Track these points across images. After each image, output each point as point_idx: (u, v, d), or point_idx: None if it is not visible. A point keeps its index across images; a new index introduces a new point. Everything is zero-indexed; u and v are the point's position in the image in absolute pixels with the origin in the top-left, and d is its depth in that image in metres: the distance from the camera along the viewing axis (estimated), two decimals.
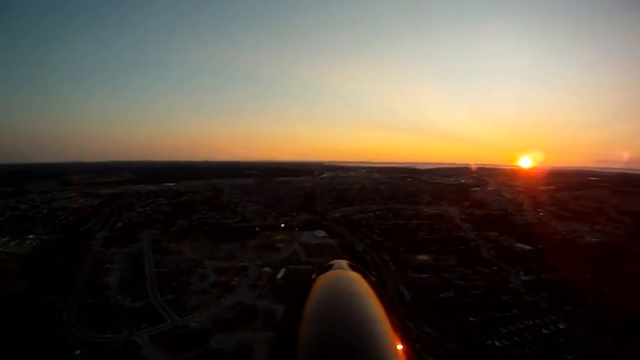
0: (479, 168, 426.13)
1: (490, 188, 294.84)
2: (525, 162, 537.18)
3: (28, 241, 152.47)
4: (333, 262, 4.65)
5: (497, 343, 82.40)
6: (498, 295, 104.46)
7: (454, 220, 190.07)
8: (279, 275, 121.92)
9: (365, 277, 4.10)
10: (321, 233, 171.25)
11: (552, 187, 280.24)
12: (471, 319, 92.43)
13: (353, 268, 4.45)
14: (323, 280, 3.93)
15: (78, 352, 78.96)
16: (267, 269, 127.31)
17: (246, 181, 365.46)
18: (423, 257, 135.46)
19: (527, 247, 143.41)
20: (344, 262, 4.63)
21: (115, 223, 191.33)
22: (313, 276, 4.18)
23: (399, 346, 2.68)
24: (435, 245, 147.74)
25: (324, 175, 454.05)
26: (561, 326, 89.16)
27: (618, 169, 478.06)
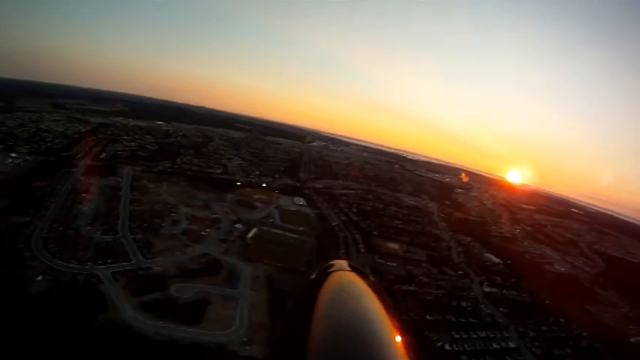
0: (468, 175, 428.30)
1: (474, 194, 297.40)
2: (514, 176, 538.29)
3: (10, 160, 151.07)
4: (332, 262, 4.85)
5: (447, 347, 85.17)
6: (458, 300, 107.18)
7: (432, 216, 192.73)
8: (250, 234, 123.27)
9: (364, 277, 4.43)
10: (300, 201, 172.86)
11: (534, 207, 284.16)
12: (427, 317, 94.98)
13: (353, 268, 4.73)
14: (323, 281, 4.09)
15: (40, 277, 79.99)
16: (239, 226, 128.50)
17: (237, 134, 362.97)
18: (393, 245, 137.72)
19: (497, 260, 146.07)
20: (344, 263, 4.87)
21: (100, 153, 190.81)
22: (313, 276, 4.34)
23: (400, 347, 2.78)
24: (408, 236, 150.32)
25: (315, 143, 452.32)
26: (512, 345, 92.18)
27: (602, 208, 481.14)
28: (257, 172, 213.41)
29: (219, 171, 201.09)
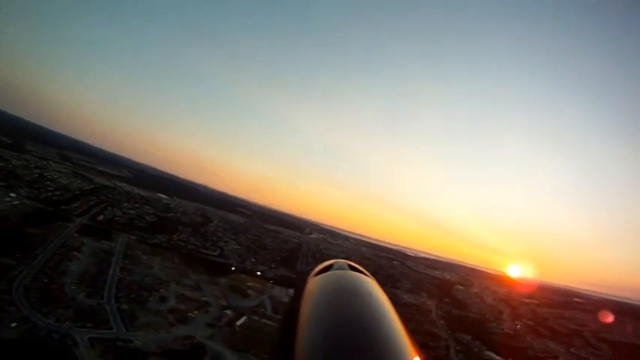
0: (469, 272, 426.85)
1: (474, 290, 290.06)
2: (514, 271, 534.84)
3: (8, 199, 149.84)
4: (333, 262, 4.46)
5: None
6: None
7: (430, 314, 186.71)
8: (240, 322, 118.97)
9: (365, 277, 4.09)
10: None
11: (535, 301, 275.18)
12: None
13: (353, 268, 4.28)
14: (323, 280, 3.87)
15: (14, 324, 76.65)
16: (229, 312, 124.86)
17: (237, 218, 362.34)
18: None
19: (498, 358, 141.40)
20: (344, 263, 4.45)
21: (98, 215, 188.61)
22: (313, 276, 4.13)
23: (402, 346, 2.75)
24: None
25: (314, 235, 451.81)
26: None
27: (605, 294, 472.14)
28: (253, 259, 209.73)
29: (214, 253, 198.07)
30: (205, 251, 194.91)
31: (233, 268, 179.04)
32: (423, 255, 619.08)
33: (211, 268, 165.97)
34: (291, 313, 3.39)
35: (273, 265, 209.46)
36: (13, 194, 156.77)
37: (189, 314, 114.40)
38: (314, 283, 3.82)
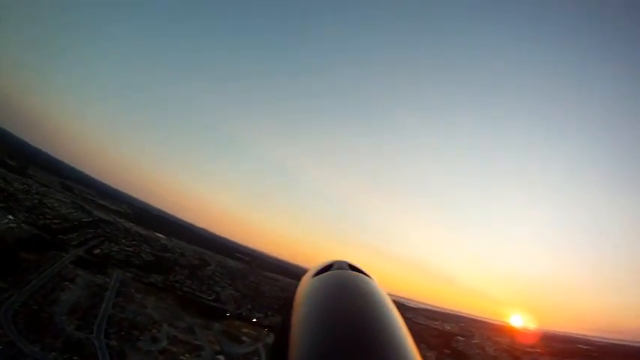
0: (469, 322, 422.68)
1: (475, 341, 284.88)
2: (516, 320, 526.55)
3: (6, 221, 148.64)
4: (333, 261, 4.21)
5: None
6: None
7: None
8: None
9: (365, 277, 3.87)
10: None
11: (539, 350, 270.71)
12: None
13: (353, 268, 4.04)
14: (323, 280, 3.73)
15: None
16: (221, 357, 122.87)
17: (235, 263, 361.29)
18: None
19: None
20: (344, 263, 4.18)
21: (94, 248, 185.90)
22: (313, 275, 3.91)
23: (403, 346, 2.64)
24: None
25: None
26: None
27: (609, 338, 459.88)
28: (249, 306, 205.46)
29: (210, 297, 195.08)
30: (201, 295, 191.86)
31: (228, 314, 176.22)
32: (422, 306, 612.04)
33: (206, 312, 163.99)
34: (291, 312, 3.25)
35: (269, 313, 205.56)
36: (11, 216, 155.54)
37: (181, 357, 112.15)
38: (314, 282, 3.70)
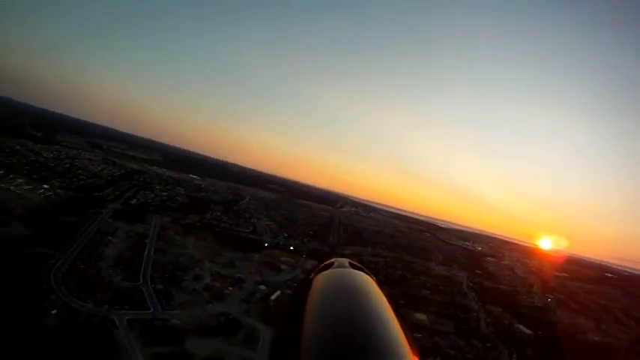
0: (499, 243, 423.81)
1: (504, 262, 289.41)
2: (545, 243, 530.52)
3: (42, 190, 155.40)
4: (333, 260, 4.47)
5: None
6: None
7: (461, 285, 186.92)
8: (274, 296, 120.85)
9: (365, 275, 4.07)
10: None
11: (566, 274, 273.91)
12: None
13: (353, 266, 4.36)
14: (323, 278, 3.91)
15: (54, 311, 79.70)
16: (263, 287, 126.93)
17: (268, 194, 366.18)
18: (420, 316, 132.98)
19: (527, 331, 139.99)
20: (344, 260, 4.48)
21: (130, 199, 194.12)
22: (313, 275, 4.14)
23: (400, 344, 2.71)
24: (436, 307, 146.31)
25: (345, 208, 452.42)
26: None
27: (636, 270, 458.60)
28: (285, 235, 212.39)
29: (247, 230, 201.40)
30: (238, 228, 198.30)
31: (266, 244, 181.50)
32: (454, 226, 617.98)
33: (244, 244, 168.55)
34: (291, 310, 3.47)
35: (305, 240, 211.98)
36: (46, 185, 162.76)
37: (225, 291, 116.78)
38: (315, 280, 3.88)
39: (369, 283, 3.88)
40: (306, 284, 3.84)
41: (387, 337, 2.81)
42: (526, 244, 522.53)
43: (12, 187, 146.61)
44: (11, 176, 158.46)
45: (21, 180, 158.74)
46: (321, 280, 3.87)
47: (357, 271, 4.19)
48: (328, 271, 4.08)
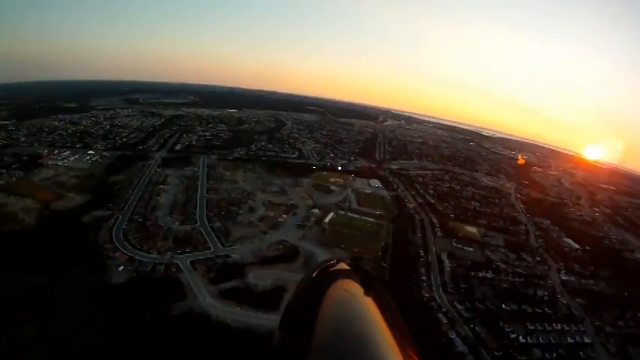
0: (547, 152, 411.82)
1: (552, 172, 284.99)
2: (593, 153, 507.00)
3: (87, 157, 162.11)
4: (333, 260, 4.84)
5: (521, 338, 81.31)
6: (535, 289, 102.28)
7: (509, 197, 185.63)
8: (327, 219, 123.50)
9: (365, 276, 4.35)
10: (375, 183, 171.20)
11: (614, 187, 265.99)
12: (503, 306, 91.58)
13: (354, 267, 4.68)
14: (323, 279, 4.16)
15: (121, 268, 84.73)
16: (316, 211, 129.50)
17: (310, 117, 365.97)
18: (471, 229, 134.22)
19: (576, 246, 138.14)
20: (345, 261, 4.83)
21: (174, 145, 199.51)
22: (313, 275, 4.45)
23: (396, 348, 2.80)
24: (485, 219, 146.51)
25: (388, 122, 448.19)
26: (586, 340, 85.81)
27: None
28: (332, 155, 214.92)
29: (293, 155, 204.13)
30: (284, 155, 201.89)
31: (314, 167, 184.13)
32: (498, 135, 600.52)
33: (293, 170, 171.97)
34: (289, 312, 3.75)
35: (352, 158, 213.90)
36: (91, 152, 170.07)
37: (279, 219, 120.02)
38: (313, 281, 4.18)
39: (367, 283, 4.12)
40: (305, 285, 4.26)
41: (383, 342, 2.90)
42: (572, 154, 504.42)
43: (59, 162, 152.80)
44: (56, 152, 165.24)
45: (67, 152, 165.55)
46: (321, 280, 4.20)
47: (356, 271, 4.55)
48: (328, 272, 4.42)
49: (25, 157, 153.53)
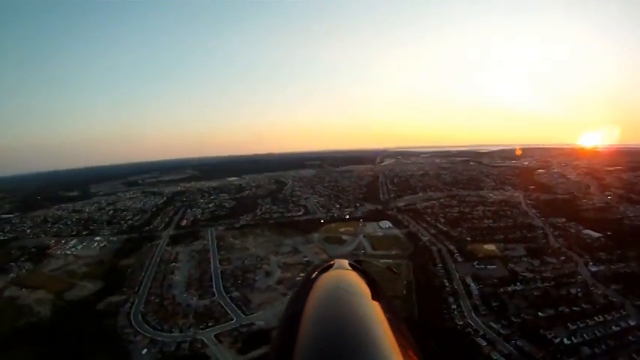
0: (544, 151, 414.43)
1: (555, 170, 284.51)
2: (588, 140, 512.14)
3: (95, 243, 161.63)
4: (333, 261, 5.05)
5: (565, 341, 78.91)
6: (567, 288, 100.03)
7: (520, 205, 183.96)
8: None
9: (365, 276, 4.38)
10: (386, 224, 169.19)
11: (619, 167, 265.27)
12: (539, 314, 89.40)
13: (354, 267, 4.78)
14: (322, 280, 4.18)
15: (144, 351, 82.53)
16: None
17: (308, 172, 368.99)
18: (489, 247, 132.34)
19: (596, 235, 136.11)
20: (344, 262, 5.04)
21: (180, 221, 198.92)
22: (313, 275, 4.46)
23: (394, 347, 2.80)
24: (502, 233, 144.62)
25: (386, 162, 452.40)
26: (631, 322, 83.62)
27: None
28: (337, 205, 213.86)
29: (299, 213, 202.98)
30: (290, 214, 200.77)
31: (322, 221, 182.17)
32: (495, 148, 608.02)
33: (301, 227, 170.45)
34: (289, 313, 3.58)
35: (357, 204, 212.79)
36: (98, 238, 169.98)
37: (297, 279, 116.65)
38: (313, 282, 4.09)
39: (367, 283, 4.06)
40: (304, 286, 4.07)
41: (381, 340, 2.89)
42: (568, 147, 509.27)
43: (68, 252, 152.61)
44: (63, 241, 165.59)
45: (74, 241, 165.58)
46: (319, 281, 4.15)
47: (356, 271, 4.52)
48: (328, 273, 4.43)
49: (32, 249, 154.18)
